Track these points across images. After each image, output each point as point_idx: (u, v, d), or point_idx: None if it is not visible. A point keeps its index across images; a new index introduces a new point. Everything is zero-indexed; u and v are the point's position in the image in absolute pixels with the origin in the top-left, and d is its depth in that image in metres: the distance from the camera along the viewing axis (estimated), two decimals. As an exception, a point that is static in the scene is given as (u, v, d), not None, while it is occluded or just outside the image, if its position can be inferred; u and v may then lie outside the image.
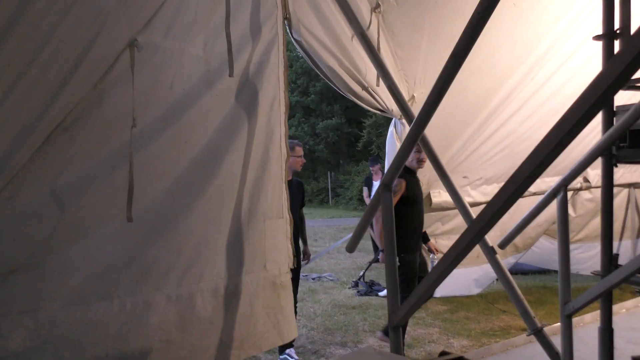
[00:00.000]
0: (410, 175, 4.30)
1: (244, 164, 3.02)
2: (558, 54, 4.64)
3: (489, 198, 5.43)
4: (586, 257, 6.55)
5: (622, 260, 7.35)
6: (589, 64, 4.83)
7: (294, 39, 3.55)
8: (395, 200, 3.72)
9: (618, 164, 2.19)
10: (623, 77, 1.20)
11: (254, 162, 3.08)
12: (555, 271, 7.18)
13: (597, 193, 5.93)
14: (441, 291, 5.98)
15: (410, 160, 4.32)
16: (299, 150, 4.64)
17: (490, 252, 2.80)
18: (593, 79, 1.25)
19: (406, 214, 4.08)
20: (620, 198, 6.64)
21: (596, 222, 6.39)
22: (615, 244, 6.93)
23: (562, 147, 1.38)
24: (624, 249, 6.84)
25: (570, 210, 6.00)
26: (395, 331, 2.08)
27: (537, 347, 3.86)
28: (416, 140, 1.99)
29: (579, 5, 4.26)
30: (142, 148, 2.53)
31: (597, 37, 2.15)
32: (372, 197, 1.88)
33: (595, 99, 1.26)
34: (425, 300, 1.89)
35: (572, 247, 6.85)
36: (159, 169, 2.64)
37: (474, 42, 1.56)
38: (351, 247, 2.52)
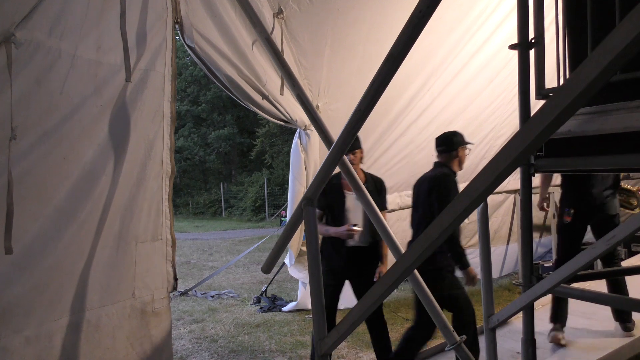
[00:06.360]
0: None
1: (113, 182, 2.72)
2: (452, 65, 4.78)
3: (390, 207, 5.48)
4: (477, 262, 6.83)
5: (509, 262, 7.65)
6: (479, 75, 5.04)
7: (187, 45, 3.27)
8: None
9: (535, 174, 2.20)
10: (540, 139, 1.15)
11: (127, 180, 2.80)
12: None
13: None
14: (344, 302, 5.90)
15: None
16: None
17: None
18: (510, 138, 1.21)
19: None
20: (507, 203, 7.02)
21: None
22: (502, 247, 7.34)
23: (477, 204, 1.37)
24: (510, 252, 7.25)
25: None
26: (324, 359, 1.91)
27: (447, 358, 3.92)
28: (345, 149, 1.84)
29: (470, 18, 4.40)
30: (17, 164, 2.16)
31: (512, 46, 2.14)
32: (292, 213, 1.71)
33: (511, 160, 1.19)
34: (356, 326, 1.74)
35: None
36: (34, 191, 2.27)
37: (413, 42, 1.44)
38: (267, 267, 2.31)
